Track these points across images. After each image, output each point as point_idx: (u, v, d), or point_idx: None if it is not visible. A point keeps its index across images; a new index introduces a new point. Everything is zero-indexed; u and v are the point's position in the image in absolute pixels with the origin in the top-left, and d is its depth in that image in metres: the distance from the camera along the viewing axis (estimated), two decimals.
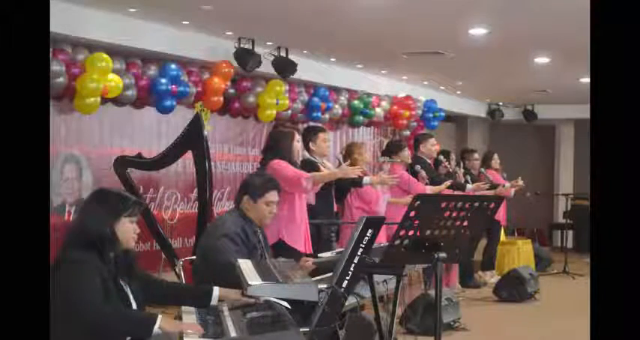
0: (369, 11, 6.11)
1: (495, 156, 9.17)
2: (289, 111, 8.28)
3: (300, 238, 5.06)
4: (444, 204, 3.07)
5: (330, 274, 3.28)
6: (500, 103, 12.89)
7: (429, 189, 7.03)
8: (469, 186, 7.78)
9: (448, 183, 7.14)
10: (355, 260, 3.14)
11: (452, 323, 6.25)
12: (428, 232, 3.06)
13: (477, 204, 3.14)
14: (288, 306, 3.03)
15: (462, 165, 8.38)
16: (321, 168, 5.64)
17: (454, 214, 3.09)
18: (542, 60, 8.45)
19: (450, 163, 8.06)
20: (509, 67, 9.04)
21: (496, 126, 13.78)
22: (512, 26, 6.74)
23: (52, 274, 2.60)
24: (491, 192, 7.82)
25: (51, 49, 5.64)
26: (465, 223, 3.14)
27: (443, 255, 3.03)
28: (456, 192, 7.33)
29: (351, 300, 3.44)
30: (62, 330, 2.85)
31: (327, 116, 8.90)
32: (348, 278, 3.13)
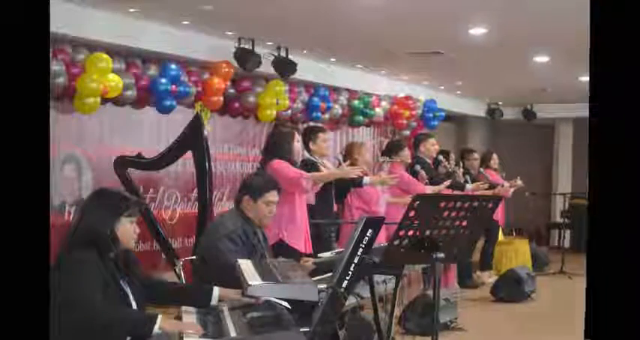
0: (369, 11, 6.10)
1: (494, 156, 9.19)
2: (289, 111, 8.28)
3: (300, 238, 5.07)
4: (443, 204, 3.07)
5: (330, 274, 3.28)
6: (500, 103, 12.89)
7: (429, 189, 7.04)
8: (468, 185, 7.79)
9: (447, 182, 7.15)
10: (355, 261, 3.15)
11: (448, 323, 6.25)
12: (427, 232, 3.06)
13: (475, 204, 3.14)
14: (288, 306, 3.03)
15: (461, 164, 8.39)
16: (321, 168, 5.65)
17: (453, 214, 3.08)
18: (541, 59, 8.45)
19: (449, 163, 8.07)
20: (509, 67, 9.04)
21: (496, 125, 13.79)
22: (512, 25, 6.74)
23: (52, 274, 2.60)
24: (490, 192, 7.83)
25: (51, 49, 5.65)
26: (464, 223, 3.14)
27: (441, 255, 3.03)
28: (455, 192, 7.34)
29: (351, 300, 3.44)
30: (62, 330, 2.86)
31: (327, 116, 8.90)
32: (348, 278, 3.13)
